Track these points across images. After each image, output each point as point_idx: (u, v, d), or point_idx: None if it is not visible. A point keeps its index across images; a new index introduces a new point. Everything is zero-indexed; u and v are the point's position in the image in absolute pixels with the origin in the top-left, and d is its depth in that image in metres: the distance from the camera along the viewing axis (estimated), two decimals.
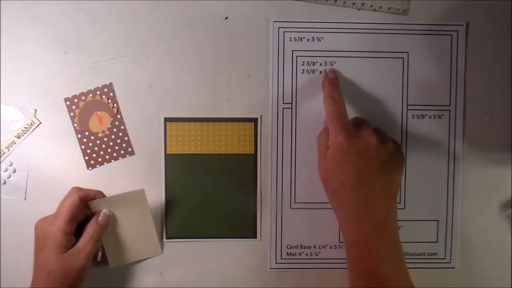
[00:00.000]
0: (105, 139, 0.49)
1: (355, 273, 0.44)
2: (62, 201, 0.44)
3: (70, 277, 0.42)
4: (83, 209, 0.45)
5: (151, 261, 0.49)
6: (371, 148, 0.42)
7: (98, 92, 0.48)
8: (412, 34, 0.49)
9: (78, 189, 0.45)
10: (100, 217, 0.45)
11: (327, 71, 0.48)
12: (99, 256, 0.47)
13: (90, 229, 0.44)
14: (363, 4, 0.48)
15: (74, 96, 0.48)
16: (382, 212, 0.42)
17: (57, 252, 0.42)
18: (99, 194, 0.46)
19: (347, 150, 0.42)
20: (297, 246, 0.50)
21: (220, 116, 0.49)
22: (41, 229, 0.44)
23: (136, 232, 0.47)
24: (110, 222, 0.46)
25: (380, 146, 0.43)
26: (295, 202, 0.49)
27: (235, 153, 0.49)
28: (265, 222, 0.50)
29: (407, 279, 0.42)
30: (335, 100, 0.44)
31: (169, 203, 0.49)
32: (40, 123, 0.48)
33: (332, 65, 0.49)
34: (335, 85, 0.46)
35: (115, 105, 0.48)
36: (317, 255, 0.50)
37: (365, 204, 0.42)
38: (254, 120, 0.49)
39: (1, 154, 0.48)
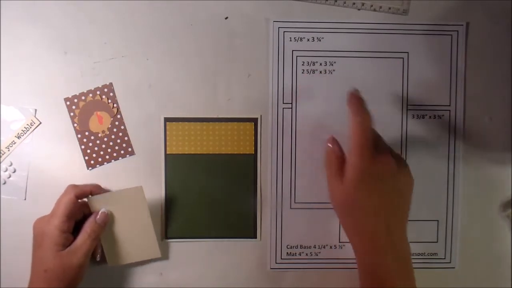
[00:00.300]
0: (105, 139, 0.49)
1: None
2: (58, 199, 0.44)
3: (67, 275, 0.42)
4: (81, 207, 0.45)
5: (151, 261, 0.49)
6: (390, 174, 0.41)
7: (98, 92, 0.48)
8: (412, 34, 0.49)
9: (74, 186, 0.45)
10: (98, 216, 0.45)
11: (351, 90, 0.43)
12: (98, 256, 0.47)
13: (87, 227, 0.44)
14: (363, 4, 0.48)
15: (74, 96, 0.48)
16: (398, 235, 0.41)
17: (54, 250, 0.42)
18: (96, 189, 0.46)
19: (369, 174, 0.40)
20: (297, 246, 0.50)
21: (220, 116, 0.49)
22: (38, 227, 0.44)
23: (135, 231, 0.47)
24: (111, 223, 0.46)
25: (398, 171, 0.41)
26: (295, 202, 0.49)
27: (235, 153, 0.49)
28: (265, 222, 0.50)
29: None
30: (363, 119, 0.40)
31: (169, 203, 0.49)
32: (40, 123, 0.48)
33: (332, 65, 0.49)
34: (362, 102, 0.42)
35: (115, 105, 0.48)
36: (317, 255, 0.50)
37: (385, 230, 0.41)
38: (254, 120, 0.49)
39: (1, 154, 0.48)
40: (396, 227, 0.42)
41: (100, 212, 0.45)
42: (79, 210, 0.45)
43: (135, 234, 0.47)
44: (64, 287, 0.42)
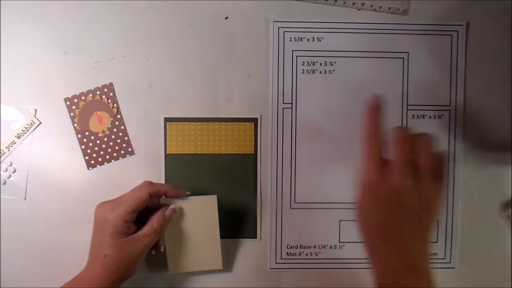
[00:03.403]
0: (105, 139, 0.49)
1: None
2: (131, 191, 0.43)
3: (126, 262, 0.42)
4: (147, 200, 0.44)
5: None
6: (402, 193, 0.38)
7: (98, 92, 0.48)
8: (412, 34, 0.49)
9: (150, 184, 0.44)
10: (166, 212, 0.44)
11: (371, 97, 0.39)
12: (162, 247, 0.46)
13: (155, 222, 0.43)
14: (363, 4, 0.48)
15: (74, 96, 0.48)
16: (413, 255, 0.38)
17: (114, 238, 0.42)
18: (170, 190, 0.45)
19: (376, 193, 0.38)
20: (297, 246, 0.50)
21: (220, 116, 0.49)
22: (101, 213, 0.43)
23: (201, 240, 0.46)
24: (178, 229, 0.46)
25: (414, 190, 0.38)
26: (295, 202, 0.49)
27: (235, 153, 0.49)
28: (265, 222, 0.50)
29: None
30: (370, 135, 0.39)
31: None
32: (40, 123, 0.48)
33: (332, 65, 0.49)
34: (377, 116, 0.39)
35: (115, 105, 0.48)
36: (317, 255, 0.50)
37: (394, 248, 0.38)
38: (254, 120, 0.49)
39: (1, 154, 0.48)
40: (410, 247, 0.38)
41: (169, 208, 0.44)
42: (146, 203, 0.44)
43: (201, 243, 0.47)
44: (122, 274, 0.42)
